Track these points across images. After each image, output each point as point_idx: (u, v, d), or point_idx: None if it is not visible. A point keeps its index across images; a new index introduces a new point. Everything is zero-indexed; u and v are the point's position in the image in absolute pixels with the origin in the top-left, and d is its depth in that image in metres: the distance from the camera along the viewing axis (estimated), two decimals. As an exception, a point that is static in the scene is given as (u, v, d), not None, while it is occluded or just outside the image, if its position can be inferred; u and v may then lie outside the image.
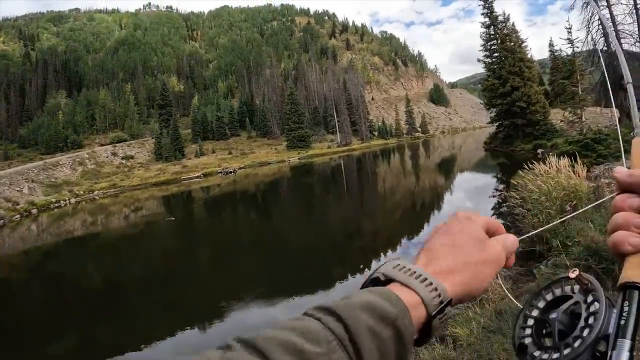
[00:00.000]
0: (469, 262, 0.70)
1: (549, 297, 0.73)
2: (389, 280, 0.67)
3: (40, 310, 14.74)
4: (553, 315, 0.69)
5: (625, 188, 0.70)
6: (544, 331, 0.70)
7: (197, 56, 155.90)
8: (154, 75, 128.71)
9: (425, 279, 0.65)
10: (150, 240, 25.85)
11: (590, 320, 0.64)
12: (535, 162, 11.11)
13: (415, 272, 0.66)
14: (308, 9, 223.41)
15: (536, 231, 1.20)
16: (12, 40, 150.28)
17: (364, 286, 0.68)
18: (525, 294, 5.21)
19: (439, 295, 0.64)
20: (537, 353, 0.67)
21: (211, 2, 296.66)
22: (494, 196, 21.53)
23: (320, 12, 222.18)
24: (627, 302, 0.64)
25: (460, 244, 0.72)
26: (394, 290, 0.64)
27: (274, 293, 12.33)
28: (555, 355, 0.64)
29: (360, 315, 0.58)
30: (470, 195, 24.73)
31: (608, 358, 0.60)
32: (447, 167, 44.90)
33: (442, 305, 0.64)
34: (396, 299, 0.61)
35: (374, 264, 13.61)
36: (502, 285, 4.82)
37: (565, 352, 0.63)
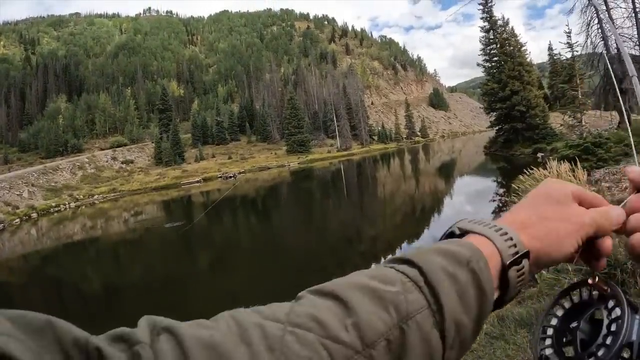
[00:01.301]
0: (546, 217, 0.67)
1: (567, 304, 0.71)
2: (463, 234, 0.66)
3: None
4: (574, 325, 0.68)
5: None
6: (564, 339, 0.68)
7: (197, 61, 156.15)
8: (154, 79, 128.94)
9: (500, 228, 0.64)
10: (150, 244, 25.79)
11: (613, 328, 0.61)
12: (535, 167, 11.08)
13: (489, 223, 0.65)
14: (308, 14, 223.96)
15: None
16: (12, 44, 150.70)
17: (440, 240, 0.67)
18: (527, 299, 5.17)
19: (515, 246, 0.62)
20: None
21: (211, 7, 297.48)
22: (494, 200, 21.50)
23: (319, 16, 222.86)
24: None
25: (538, 202, 0.70)
26: (468, 239, 0.63)
27: (275, 298, 12.23)
28: None
29: (434, 259, 0.58)
30: (471, 199, 24.72)
31: None
32: (447, 172, 44.84)
33: (518, 255, 0.61)
34: (468, 244, 0.61)
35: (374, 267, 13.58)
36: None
37: None
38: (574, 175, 9.40)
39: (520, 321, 4.41)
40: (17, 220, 44.38)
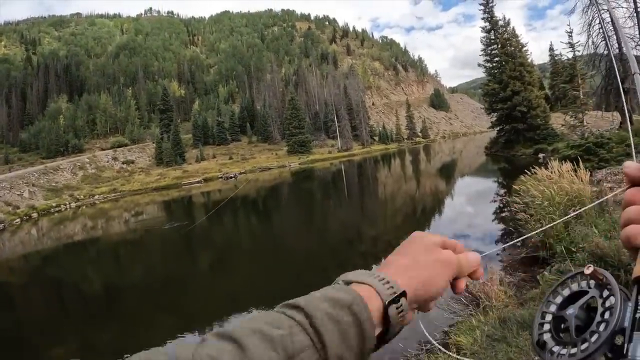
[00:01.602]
0: (419, 261, 0.77)
1: (566, 292, 0.75)
2: (348, 284, 0.73)
3: (39, 315, 14.65)
4: (570, 311, 0.71)
5: (636, 182, 0.71)
6: (562, 326, 0.72)
7: (198, 61, 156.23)
8: (155, 80, 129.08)
9: (379, 275, 0.73)
10: (150, 245, 25.73)
11: (607, 315, 0.65)
12: (537, 167, 11.01)
13: (369, 272, 0.75)
14: (309, 14, 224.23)
15: (520, 238, 1.18)
16: (13, 44, 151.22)
17: None
18: (529, 301, 5.11)
19: (392, 287, 0.70)
20: (555, 348, 0.68)
21: (212, 8, 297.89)
22: (495, 201, 21.41)
23: (320, 17, 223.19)
24: None
25: (411, 252, 0.80)
26: (352, 287, 0.71)
27: (275, 298, 12.16)
28: (573, 350, 0.65)
29: (319, 304, 0.65)
30: (471, 200, 24.59)
31: (625, 351, 0.61)
32: (448, 172, 44.67)
33: (395, 295, 0.70)
34: (349, 289, 0.70)
35: (374, 269, 13.53)
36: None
37: (583, 347, 0.64)
38: (576, 176, 9.33)
39: (523, 323, 4.35)
40: (18, 220, 44.46)
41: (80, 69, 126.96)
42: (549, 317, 0.74)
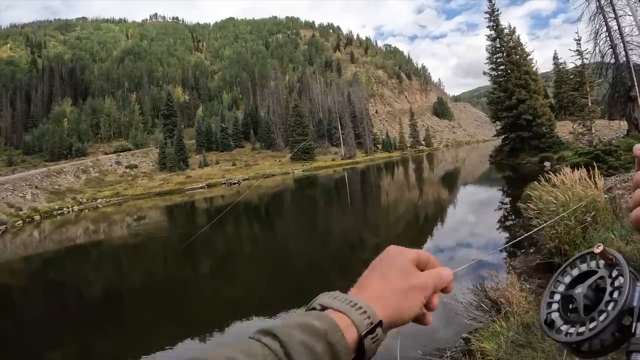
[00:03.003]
0: (395, 288, 0.77)
1: (575, 272, 0.74)
2: (324, 309, 0.73)
3: (39, 317, 14.50)
4: (578, 290, 0.70)
5: None
6: (570, 306, 0.71)
7: (203, 67, 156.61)
8: (159, 85, 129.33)
9: (356, 304, 0.72)
10: (152, 250, 25.60)
11: (615, 295, 0.64)
12: (547, 174, 10.86)
13: (347, 299, 0.73)
14: (313, 22, 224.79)
15: (513, 241, 1.18)
16: (19, 47, 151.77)
17: None
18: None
19: (369, 317, 0.70)
20: (564, 327, 0.69)
21: (217, 14, 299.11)
22: (499, 209, 21.28)
23: (325, 25, 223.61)
24: None
25: (387, 273, 0.80)
26: (328, 314, 0.71)
27: (275, 305, 12.09)
28: (581, 329, 0.65)
29: (294, 332, 0.65)
30: (475, 208, 24.40)
31: (633, 330, 0.61)
32: (452, 180, 44.53)
33: (372, 326, 0.69)
34: (326, 317, 0.68)
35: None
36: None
37: (591, 325, 0.63)
38: (591, 181, 9.18)
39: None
40: (20, 222, 44.48)
41: (85, 73, 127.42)
42: (557, 297, 0.74)
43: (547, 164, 31.98)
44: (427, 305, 0.81)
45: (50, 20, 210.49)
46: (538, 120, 41.13)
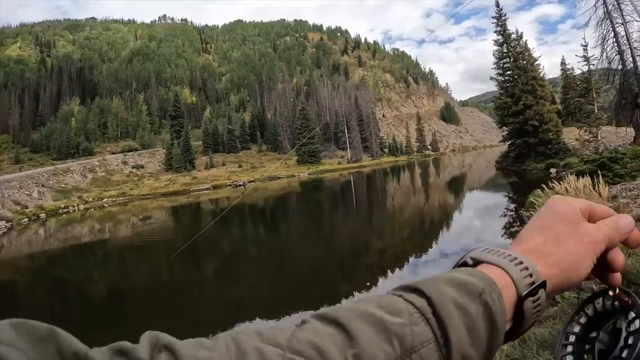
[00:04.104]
0: (561, 240, 0.65)
1: (590, 312, 0.71)
2: (476, 264, 0.64)
3: (41, 314, 14.46)
4: (593, 334, 0.67)
5: None
6: (585, 347, 0.68)
7: (210, 69, 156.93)
8: (167, 86, 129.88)
9: (515, 257, 0.61)
10: (156, 249, 25.62)
11: (630, 340, 0.61)
12: (550, 182, 10.75)
13: (504, 252, 0.63)
14: (321, 25, 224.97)
15: None
16: (28, 46, 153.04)
17: None
18: (548, 319, 4.86)
19: (531, 275, 0.59)
20: None
21: (225, 16, 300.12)
22: (505, 215, 21.16)
23: (333, 28, 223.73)
24: None
25: (550, 225, 0.67)
26: (482, 270, 0.61)
27: (279, 307, 12.07)
28: None
29: (445, 289, 0.55)
30: (481, 214, 24.31)
31: None
32: (457, 186, 44.38)
33: (534, 286, 0.59)
34: (482, 274, 0.59)
35: (381, 281, 13.46)
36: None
37: None
38: (595, 190, 9.08)
39: (543, 342, 4.11)
40: (26, 219, 44.82)
41: (94, 73, 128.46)
42: (572, 338, 0.70)
43: (553, 170, 31.89)
44: (607, 263, 0.68)
45: (60, 20, 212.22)
46: (544, 126, 40.90)
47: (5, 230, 39.37)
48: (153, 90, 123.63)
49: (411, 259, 15.91)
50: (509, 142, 47.07)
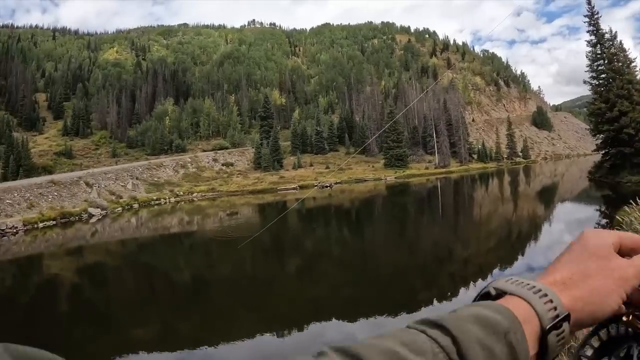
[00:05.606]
0: (588, 275, 0.64)
1: (604, 336, 0.70)
2: (500, 295, 0.63)
3: (128, 296, 15.59)
4: (605, 359, 0.67)
5: None
6: None
7: (299, 71, 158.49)
8: (257, 88, 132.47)
9: (540, 289, 0.60)
10: (240, 244, 26.47)
11: None
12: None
13: (528, 283, 0.62)
14: (408, 27, 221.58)
15: None
16: (125, 50, 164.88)
17: (474, 301, 0.65)
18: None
19: (555, 308, 0.59)
20: None
21: (313, 20, 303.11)
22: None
23: (420, 30, 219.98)
24: None
25: (579, 259, 0.67)
26: (505, 303, 0.60)
27: (356, 309, 12.24)
28: None
29: (470, 328, 0.54)
30: (572, 228, 23.50)
31: None
32: (548, 197, 42.74)
33: (558, 319, 0.58)
34: (507, 311, 0.57)
35: (462, 292, 13.35)
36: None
37: None
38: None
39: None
40: (120, 208, 47.70)
41: (187, 75, 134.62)
42: None
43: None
44: (636, 301, 0.67)
45: (154, 26, 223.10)
46: (641, 135, 38.65)
47: (100, 217, 41.90)
48: (244, 91, 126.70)
49: (495, 271, 15.67)
50: (603, 152, 44.86)
